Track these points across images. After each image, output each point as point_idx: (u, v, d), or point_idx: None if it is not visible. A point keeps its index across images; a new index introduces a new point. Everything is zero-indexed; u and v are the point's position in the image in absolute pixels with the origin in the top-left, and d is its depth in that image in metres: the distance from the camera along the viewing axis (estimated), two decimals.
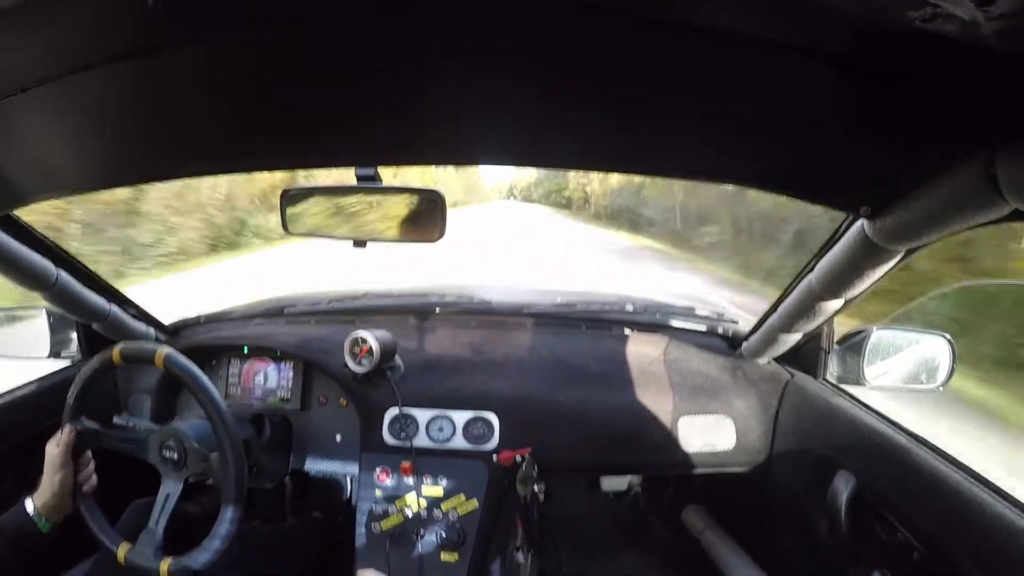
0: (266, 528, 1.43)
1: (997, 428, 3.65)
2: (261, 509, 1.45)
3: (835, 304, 0.96)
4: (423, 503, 1.18)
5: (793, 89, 0.53)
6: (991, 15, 0.35)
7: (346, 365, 1.24)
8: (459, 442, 1.22)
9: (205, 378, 0.99)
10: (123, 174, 0.79)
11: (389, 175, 0.84)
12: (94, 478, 1.04)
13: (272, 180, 9.91)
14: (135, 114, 0.62)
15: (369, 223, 0.92)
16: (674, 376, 1.31)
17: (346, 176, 0.85)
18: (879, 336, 1.14)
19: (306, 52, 0.51)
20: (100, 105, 0.59)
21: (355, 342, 1.23)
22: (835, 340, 1.20)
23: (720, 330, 1.46)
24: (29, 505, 0.96)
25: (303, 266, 8.31)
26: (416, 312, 1.51)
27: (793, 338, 1.16)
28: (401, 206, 0.89)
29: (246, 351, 1.41)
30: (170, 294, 6.14)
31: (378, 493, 1.20)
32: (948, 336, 1.12)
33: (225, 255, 9.76)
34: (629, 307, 1.52)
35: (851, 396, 1.15)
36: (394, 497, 1.19)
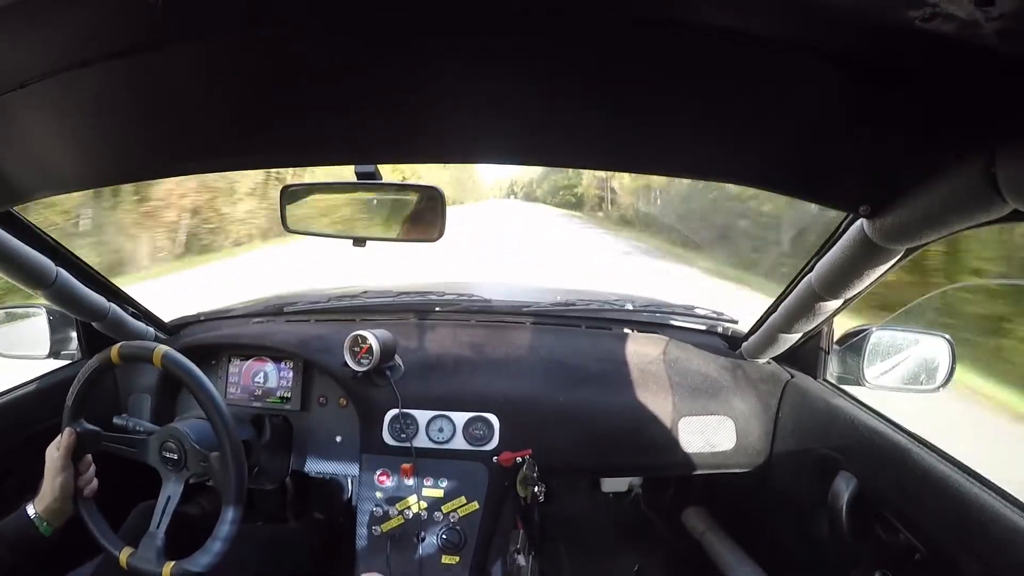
0: (267, 529, 1.43)
1: None
2: (262, 510, 1.46)
3: (834, 304, 0.96)
4: (423, 505, 1.18)
5: (793, 88, 0.53)
6: (991, 15, 0.35)
7: (346, 364, 1.23)
8: (459, 443, 1.22)
9: (204, 377, 0.99)
10: (122, 171, 0.79)
11: (388, 175, 0.84)
12: (95, 482, 1.04)
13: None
14: (135, 111, 0.62)
15: (369, 222, 0.92)
16: (674, 376, 1.30)
17: (347, 175, 0.85)
18: (879, 336, 1.13)
19: (306, 50, 0.51)
20: (99, 102, 0.59)
21: (355, 341, 1.23)
22: (835, 340, 1.20)
23: (720, 330, 1.46)
24: (30, 509, 0.96)
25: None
26: (416, 311, 1.51)
27: (793, 338, 1.16)
28: (400, 205, 0.89)
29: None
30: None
31: (379, 495, 1.20)
32: (948, 336, 1.12)
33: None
34: (629, 306, 1.52)
35: (851, 396, 1.15)
36: (395, 499, 1.19)
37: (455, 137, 0.69)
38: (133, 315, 1.35)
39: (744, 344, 1.32)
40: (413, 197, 0.87)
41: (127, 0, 0.43)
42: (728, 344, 1.41)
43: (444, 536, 1.14)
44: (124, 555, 0.97)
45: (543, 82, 0.55)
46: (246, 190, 10.81)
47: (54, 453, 0.99)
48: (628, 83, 0.54)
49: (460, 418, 1.24)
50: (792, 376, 1.27)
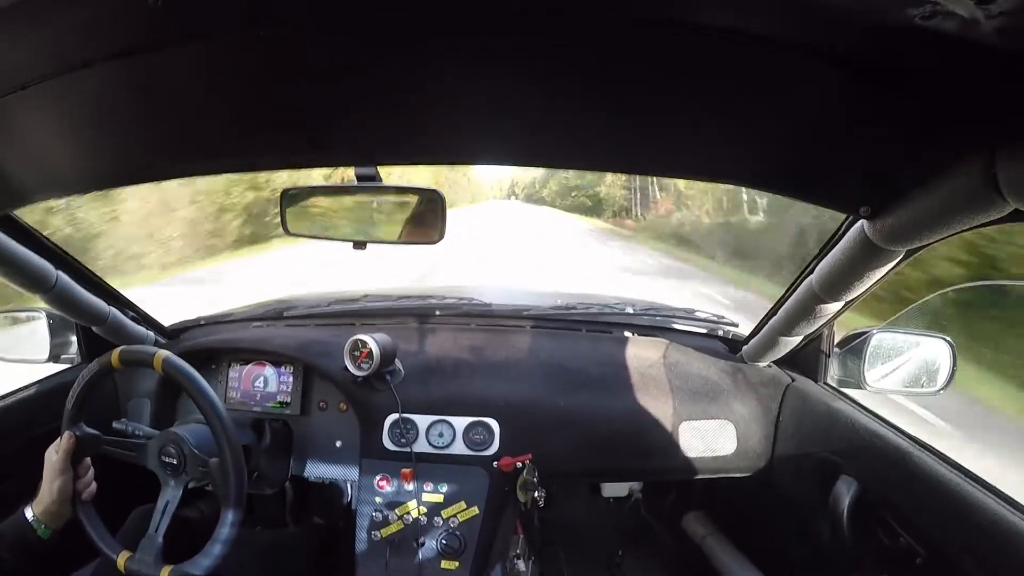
0: (267, 534, 1.42)
1: None
2: (261, 515, 1.45)
3: (835, 306, 0.96)
4: (423, 510, 1.17)
5: (793, 89, 0.53)
6: (991, 13, 0.35)
7: (346, 368, 1.23)
8: (459, 448, 1.22)
9: (204, 382, 0.99)
10: (123, 174, 0.79)
11: (388, 177, 0.84)
12: (93, 485, 1.04)
13: None
14: (135, 113, 0.62)
15: (369, 224, 0.92)
16: (674, 380, 1.30)
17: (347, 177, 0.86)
18: (880, 339, 1.13)
19: (306, 51, 0.51)
20: (100, 103, 0.59)
21: (355, 345, 1.23)
22: (835, 343, 1.20)
23: (720, 333, 1.45)
24: (28, 512, 0.96)
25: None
26: (416, 315, 1.51)
27: (793, 341, 1.16)
28: (400, 207, 0.89)
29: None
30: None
31: (378, 500, 1.19)
32: (948, 339, 1.12)
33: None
34: (629, 310, 1.52)
35: (852, 399, 1.14)
36: (394, 504, 1.18)
37: (455, 138, 0.69)
38: (133, 319, 1.35)
39: (744, 348, 1.32)
40: (413, 199, 0.87)
41: (127, 1, 0.43)
42: (728, 347, 1.41)
43: (444, 541, 1.14)
44: (122, 559, 0.96)
45: (543, 82, 0.55)
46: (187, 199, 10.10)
47: (53, 456, 0.98)
48: (628, 84, 0.54)
49: (460, 423, 1.23)
50: (793, 379, 1.27)
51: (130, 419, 1.12)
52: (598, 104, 0.58)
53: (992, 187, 0.50)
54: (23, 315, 1.39)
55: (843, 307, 0.96)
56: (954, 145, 0.54)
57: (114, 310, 1.25)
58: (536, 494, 1.17)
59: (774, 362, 1.31)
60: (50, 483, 0.97)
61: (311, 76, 0.55)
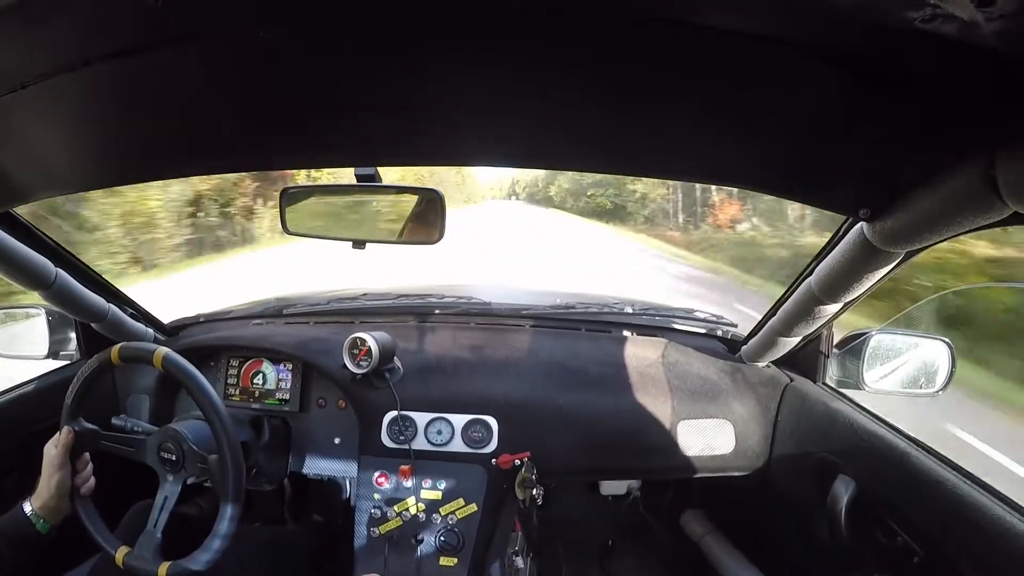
0: (266, 530, 1.42)
1: None
2: (260, 512, 1.45)
3: (834, 307, 0.96)
4: (422, 507, 1.17)
5: (793, 90, 0.53)
6: (991, 16, 0.35)
7: (345, 366, 1.23)
8: (458, 445, 1.22)
9: (203, 379, 0.99)
10: (122, 173, 0.79)
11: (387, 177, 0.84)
12: (92, 480, 1.04)
13: None
14: (135, 112, 0.62)
15: (368, 224, 0.92)
16: (673, 380, 1.30)
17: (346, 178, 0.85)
18: (879, 340, 1.13)
19: (306, 51, 0.51)
20: (100, 103, 0.59)
21: (354, 343, 1.23)
22: (834, 344, 1.20)
23: (719, 333, 1.45)
24: (27, 506, 0.96)
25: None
26: (415, 313, 1.51)
27: (792, 341, 1.16)
28: (400, 207, 0.89)
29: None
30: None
31: (377, 496, 1.20)
32: (947, 340, 1.12)
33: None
34: (628, 309, 1.52)
35: (850, 400, 1.15)
36: (393, 500, 1.18)
37: (456, 139, 0.69)
38: (132, 316, 1.35)
39: (743, 348, 1.32)
40: (412, 199, 0.87)
41: (127, 0, 0.43)
42: (727, 347, 1.41)
43: (442, 538, 1.14)
44: (120, 554, 0.97)
45: (543, 83, 0.55)
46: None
47: (52, 451, 0.99)
48: (628, 84, 0.54)
49: (459, 420, 1.23)
50: (791, 380, 1.27)
51: (129, 415, 1.12)
52: (598, 105, 0.58)
53: (991, 189, 0.50)
54: (22, 312, 1.39)
55: (842, 308, 0.96)
56: (953, 147, 0.54)
57: (113, 307, 1.25)
58: (534, 492, 1.17)
59: (773, 362, 1.32)
60: (49, 478, 0.97)
61: (311, 76, 0.55)
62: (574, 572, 1.70)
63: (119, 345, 1.01)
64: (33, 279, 1.01)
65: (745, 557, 1.42)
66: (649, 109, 0.58)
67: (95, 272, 1.22)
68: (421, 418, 1.24)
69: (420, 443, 1.22)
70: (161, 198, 9.22)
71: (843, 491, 1.00)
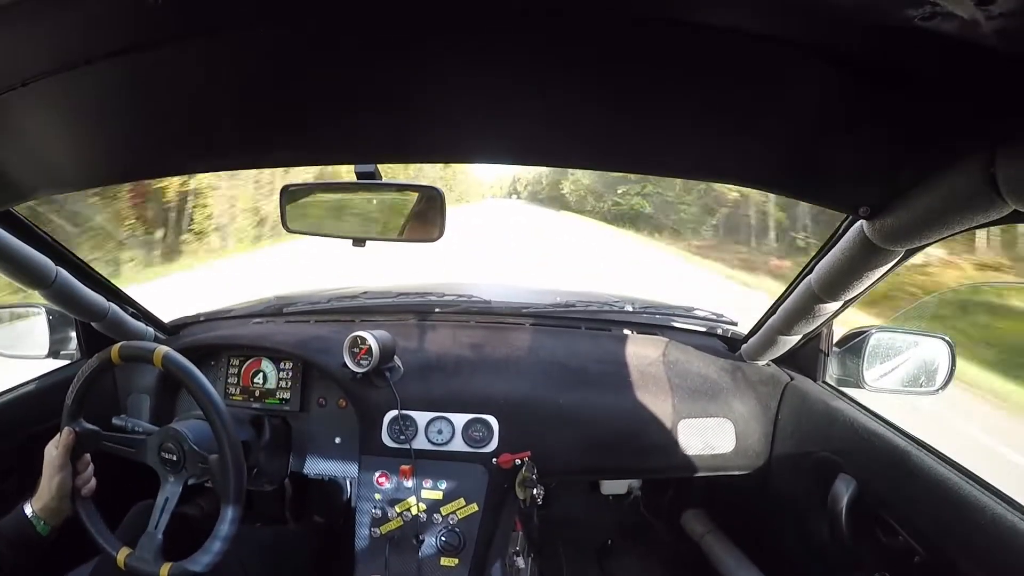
0: (266, 531, 1.42)
1: None
2: (261, 512, 1.45)
3: (834, 305, 0.96)
4: (423, 507, 1.17)
5: (792, 88, 0.53)
6: (991, 14, 0.35)
7: (345, 365, 1.23)
8: (458, 445, 1.22)
9: (204, 378, 0.99)
10: (123, 170, 0.79)
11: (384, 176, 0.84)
12: (93, 481, 1.04)
13: None
14: (136, 110, 0.62)
15: (368, 222, 0.92)
16: (674, 378, 1.30)
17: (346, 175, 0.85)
18: (879, 338, 1.13)
19: (307, 50, 0.51)
20: (101, 100, 0.59)
21: (354, 342, 1.23)
22: (834, 342, 1.20)
23: (719, 331, 1.45)
24: (28, 508, 0.96)
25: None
26: (415, 312, 1.51)
27: (792, 340, 1.16)
28: (400, 204, 0.89)
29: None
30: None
31: (377, 496, 1.20)
32: (947, 338, 1.12)
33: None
34: (628, 307, 1.52)
35: (851, 399, 1.15)
36: (394, 501, 1.18)
37: (456, 137, 0.69)
38: (133, 315, 1.35)
39: (744, 346, 1.32)
40: (413, 197, 0.87)
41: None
42: (728, 346, 1.41)
43: (443, 538, 1.14)
44: (122, 555, 0.97)
45: (543, 82, 0.55)
46: None
47: (52, 452, 0.99)
48: (628, 83, 0.54)
49: (459, 420, 1.23)
50: (792, 378, 1.27)
51: (129, 415, 1.12)
52: (598, 103, 0.58)
53: (991, 187, 0.50)
54: (22, 311, 1.39)
55: (842, 306, 0.96)
56: (953, 145, 0.54)
57: (113, 306, 1.25)
58: (535, 491, 1.17)
59: (773, 361, 1.32)
60: (49, 479, 0.97)
61: (311, 74, 0.55)
62: (575, 572, 1.70)
63: (119, 344, 1.01)
64: (33, 278, 1.01)
65: (745, 556, 1.42)
66: (649, 107, 0.58)
67: (95, 271, 1.22)
68: (422, 417, 1.24)
69: (421, 442, 1.22)
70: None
71: (843, 490, 1.00)
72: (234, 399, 1.39)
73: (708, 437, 1.26)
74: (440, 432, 1.23)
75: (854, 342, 1.16)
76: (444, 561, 1.13)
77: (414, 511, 1.17)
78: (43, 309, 1.31)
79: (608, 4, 0.45)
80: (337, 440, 1.34)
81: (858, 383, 1.15)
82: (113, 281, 1.29)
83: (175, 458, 1.00)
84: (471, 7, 0.45)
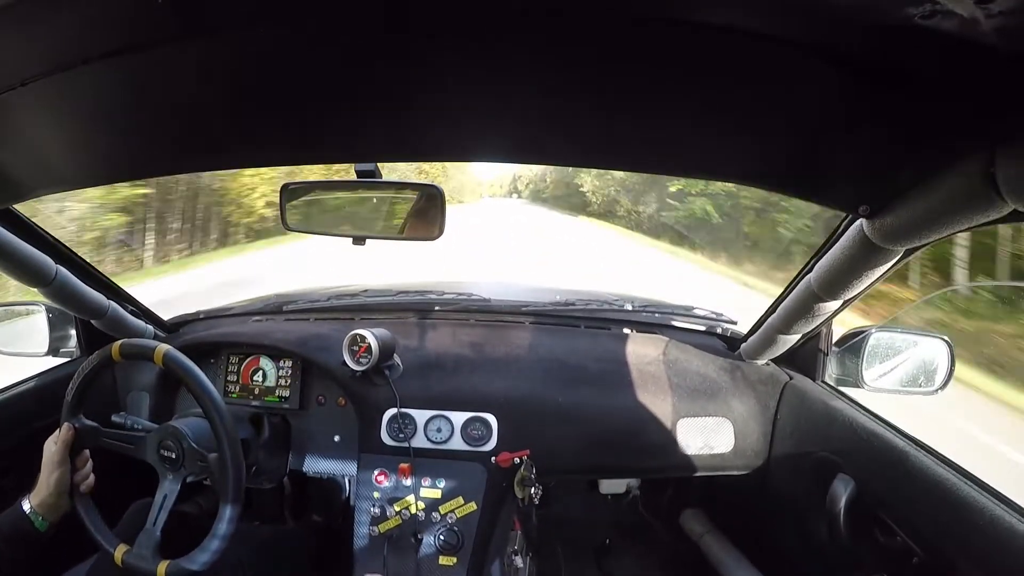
0: (265, 529, 1.42)
1: None
2: (260, 510, 1.45)
3: (834, 305, 0.96)
4: (421, 505, 1.17)
5: (792, 88, 0.53)
6: (991, 12, 0.35)
7: (345, 363, 1.23)
8: (457, 443, 1.22)
9: (203, 376, 0.99)
10: (123, 169, 0.79)
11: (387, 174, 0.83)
12: (91, 477, 1.04)
13: None
14: (136, 109, 0.62)
15: (368, 220, 0.92)
16: (673, 377, 1.30)
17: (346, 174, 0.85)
18: (878, 338, 1.13)
19: (307, 49, 0.51)
20: (100, 100, 0.59)
21: (354, 340, 1.23)
22: (833, 341, 1.20)
23: (719, 330, 1.45)
24: (26, 504, 0.96)
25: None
26: (415, 310, 1.51)
27: (791, 339, 1.16)
28: (400, 203, 0.89)
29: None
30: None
31: (376, 495, 1.20)
32: (947, 338, 1.12)
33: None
34: (628, 306, 1.52)
35: (850, 398, 1.15)
36: (393, 499, 1.19)
37: (456, 136, 0.69)
38: (132, 313, 1.35)
39: (743, 345, 1.32)
40: (413, 195, 0.87)
41: None
42: (727, 345, 1.41)
43: (442, 537, 1.14)
44: (119, 552, 0.97)
45: (543, 81, 0.55)
46: None
47: (52, 447, 0.99)
48: (628, 82, 0.54)
49: (458, 418, 1.23)
50: (791, 378, 1.27)
51: (129, 413, 1.12)
52: (598, 102, 0.58)
53: (991, 187, 0.50)
54: (22, 309, 1.39)
55: (841, 306, 0.96)
56: (953, 145, 0.54)
57: (113, 304, 1.25)
58: (533, 490, 1.17)
59: (772, 360, 1.32)
60: (48, 475, 0.97)
61: (311, 74, 0.55)
62: (573, 571, 1.70)
63: (120, 342, 1.01)
64: (33, 276, 1.01)
65: (744, 556, 1.42)
66: (649, 106, 0.58)
67: (95, 269, 1.22)
68: (421, 415, 1.24)
69: (420, 441, 1.22)
70: None
71: (842, 490, 1.00)
72: (233, 397, 1.39)
73: (707, 436, 1.26)
74: (439, 430, 1.23)
75: (853, 342, 1.16)
76: (443, 560, 1.13)
77: (413, 510, 1.17)
78: (43, 307, 1.31)
79: (608, 4, 0.45)
80: (336, 438, 1.34)
81: (857, 383, 1.15)
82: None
83: (174, 456, 1.00)
84: (471, 7, 0.45)
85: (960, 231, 0.61)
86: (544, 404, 1.25)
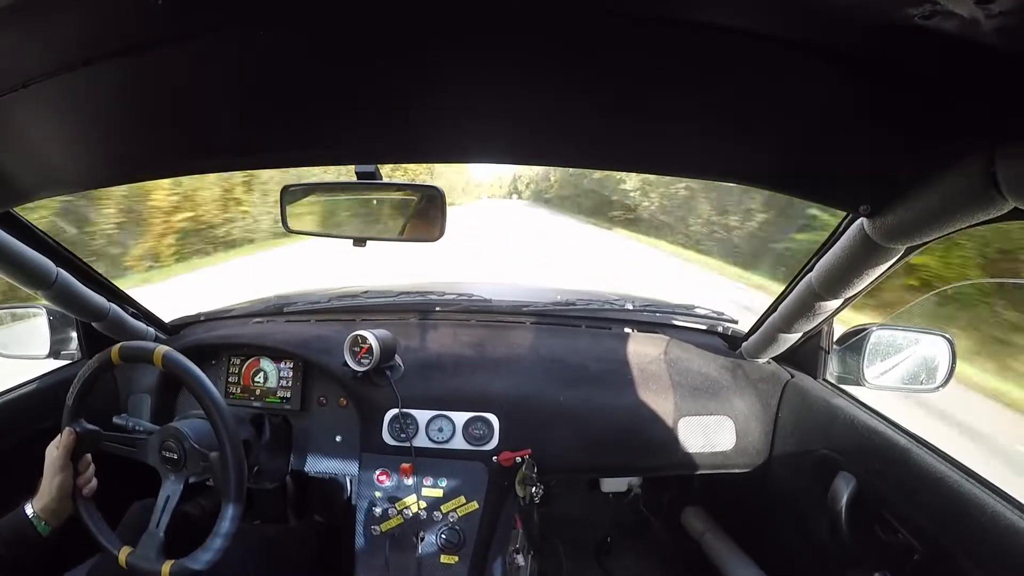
0: (267, 529, 1.43)
1: None
2: (262, 510, 1.45)
3: (834, 303, 0.96)
4: (423, 504, 1.18)
5: (793, 87, 0.53)
6: (991, 12, 0.35)
7: (346, 364, 1.23)
8: (459, 443, 1.22)
9: (204, 377, 0.99)
10: (125, 171, 0.79)
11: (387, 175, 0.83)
12: (94, 481, 1.04)
13: None
14: (136, 111, 0.62)
15: (369, 222, 0.92)
16: (674, 376, 1.30)
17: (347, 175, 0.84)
18: (879, 336, 1.13)
19: (308, 51, 0.51)
20: (101, 102, 0.59)
21: (355, 341, 1.23)
22: (835, 340, 1.20)
23: (720, 329, 1.45)
24: (28, 508, 0.96)
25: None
26: (416, 311, 1.51)
27: (792, 338, 1.16)
28: (401, 204, 0.89)
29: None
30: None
31: (378, 494, 1.20)
32: (948, 336, 1.12)
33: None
34: (629, 306, 1.52)
35: (851, 396, 1.15)
36: (394, 498, 1.19)
37: (457, 137, 0.69)
38: (133, 315, 1.35)
39: (744, 344, 1.32)
40: (413, 197, 0.88)
41: (128, 0, 0.43)
42: (728, 344, 1.41)
43: (443, 536, 1.14)
44: (123, 554, 0.97)
45: (543, 81, 0.55)
46: None
47: (53, 452, 0.99)
48: (629, 83, 0.54)
49: (460, 418, 1.24)
50: (792, 376, 1.27)
51: (130, 415, 1.13)
52: (599, 102, 0.58)
53: (991, 185, 0.50)
54: (23, 311, 1.39)
55: (842, 304, 0.96)
56: (954, 143, 0.54)
57: (114, 306, 1.25)
58: (534, 489, 1.17)
59: (773, 358, 1.32)
60: (50, 479, 0.97)
61: (312, 75, 0.55)
62: (575, 570, 1.71)
63: (119, 345, 1.01)
64: (34, 279, 1.01)
65: (746, 554, 1.42)
66: (650, 107, 0.58)
67: (96, 271, 1.22)
68: (422, 415, 1.24)
69: (421, 440, 1.22)
70: None
71: (843, 488, 1.00)
72: (235, 398, 1.39)
73: (708, 435, 1.26)
74: (441, 430, 1.23)
75: (854, 339, 1.16)
76: (444, 559, 1.13)
77: (414, 509, 1.17)
78: (44, 309, 1.31)
79: (609, 5, 0.45)
80: (338, 439, 1.34)
81: (858, 381, 1.15)
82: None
83: (176, 457, 1.00)
84: (471, 7, 0.45)
85: (961, 229, 0.61)
86: (545, 403, 1.26)
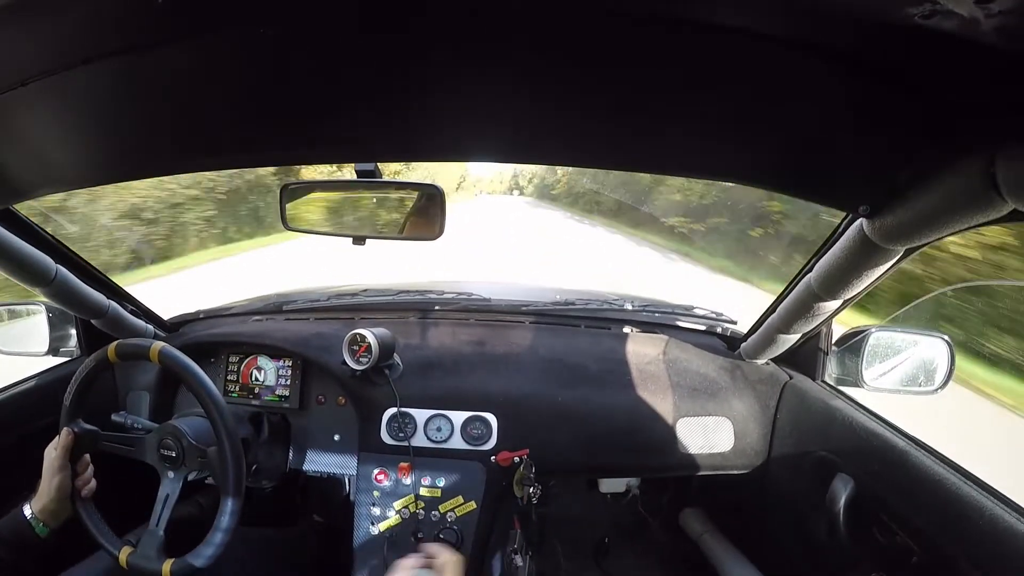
0: (266, 529, 1.43)
1: None
2: (260, 509, 1.45)
3: (833, 304, 0.96)
4: (421, 504, 1.18)
5: (792, 87, 0.53)
6: (990, 12, 0.35)
7: (345, 363, 1.23)
8: (457, 442, 1.22)
9: (201, 373, 0.99)
10: (124, 169, 0.79)
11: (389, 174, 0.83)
12: (93, 482, 1.03)
13: None
14: (136, 109, 0.62)
15: (368, 220, 0.92)
16: (673, 376, 1.30)
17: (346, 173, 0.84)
18: (878, 337, 1.13)
19: (308, 50, 0.51)
20: (100, 100, 0.59)
21: (354, 339, 1.23)
22: (833, 341, 1.20)
23: (719, 330, 1.45)
24: (27, 509, 0.96)
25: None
26: (415, 310, 1.51)
27: (791, 339, 1.16)
28: (400, 203, 0.89)
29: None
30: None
31: (376, 494, 1.20)
32: (947, 338, 1.12)
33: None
34: (628, 306, 1.52)
35: (849, 398, 1.15)
36: (392, 498, 1.19)
37: (456, 136, 0.69)
38: (133, 313, 1.35)
39: (743, 345, 1.32)
40: (413, 195, 0.87)
41: None
42: (727, 345, 1.41)
43: (441, 536, 1.14)
44: (124, 554, 0.97)
45: (543, 80, 0.55)
46: None
47: (52, 453, 0.98)
48: (629, 83, 0.54)
49: (458, 417, 1.23)
50: (791, 377, 1.27)
51: (129, 412, 1.12)
52: (598, 101, 0.58)
53: (991, 186, 0.50)
54: (22, 308, 1.39)
55: (841, 305, 0.96)
56: (953, 144, 0.54)
57: (113, 304, 1.25)
58: (533, 489, 1.17)
59: (772, 360, 1.32)
60: (49, 480, 0.97)
61: (312, 73, 0.55)
62: (573, 570, 1.71)
63: (115, 343, 1.00)
64: (33, 276, 1.01)
65: (744, 556, 1.42)
66: (650, 107, 0.58)
67: (95, 269, 1.22)
68: (421, 415, 1.24)
69: (420, 440, 1.22)
70: None
71: (842, 489, 1.00)
72: (233, 396, 1.39)
73: (707, 436, 1.26)
74: (439, 430, 1.23)
75: (853, 341, 1.16)
76: None
77: (413, 508, 1.17)
78: (43, 307, 1.31)
79: (609, 5, 0.45)
80: (336, 437, 1.34)
81: (857, 382, 1.15)
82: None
83: (174, 454, 1.00)
84: (471, 7, 0.45)
85: (960, 231, 0.61)
86: (544, 403, 1.25)
